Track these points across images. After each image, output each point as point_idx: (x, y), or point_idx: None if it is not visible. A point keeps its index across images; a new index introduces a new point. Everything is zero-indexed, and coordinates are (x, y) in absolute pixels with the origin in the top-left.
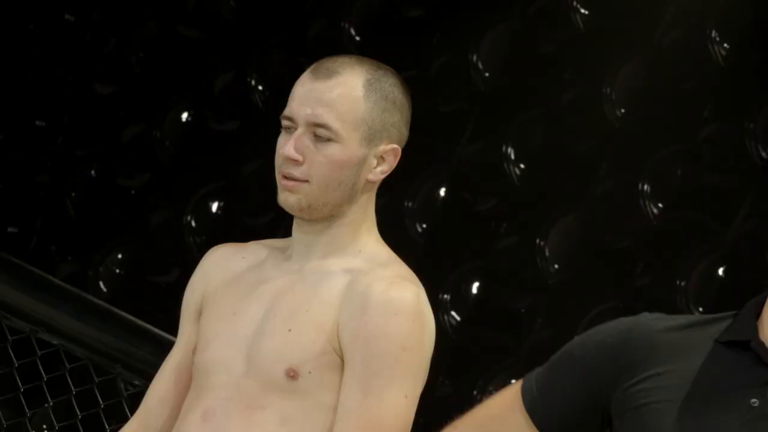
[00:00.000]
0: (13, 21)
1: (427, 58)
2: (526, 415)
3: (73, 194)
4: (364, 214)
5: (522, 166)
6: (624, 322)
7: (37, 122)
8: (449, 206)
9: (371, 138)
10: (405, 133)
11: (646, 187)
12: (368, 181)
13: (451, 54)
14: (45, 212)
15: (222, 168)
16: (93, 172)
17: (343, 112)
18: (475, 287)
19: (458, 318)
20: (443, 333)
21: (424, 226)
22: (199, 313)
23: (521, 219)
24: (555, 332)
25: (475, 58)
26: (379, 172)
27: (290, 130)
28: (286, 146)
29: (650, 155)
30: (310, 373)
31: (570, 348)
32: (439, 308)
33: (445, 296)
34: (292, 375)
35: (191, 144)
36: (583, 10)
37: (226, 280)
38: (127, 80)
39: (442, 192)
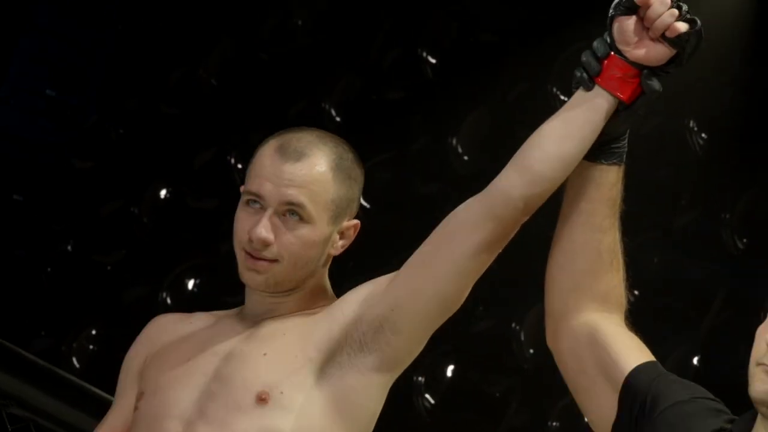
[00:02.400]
0: None
1: (406, 140)
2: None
3: (49, 269)
4: (321, 282)
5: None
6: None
7: (15, 196)
8: None
9: (337, 216)
10: (359, 203)
11: None
12: (329, 255)
13: (431, 136)
14: (20, 286)
15: (199, 245)
16: (69, 247)
17: (315, 194)
18: (450, 370)
19: (432, 401)
20: (417, 415)
21: None
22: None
23: (497, 302)
24: (530, 417)
25: (454, 141)
26: (340, 246)
27: (254, 205)
28: (259, 228)
29: (627, 242)
30: (282, 393)
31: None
32: (413, 390)
33: (420, 379)
34: (263, 398)
35: (169, 221)
36: (562, 97)
37: (174, 340)
38: (106, 156)
39: None
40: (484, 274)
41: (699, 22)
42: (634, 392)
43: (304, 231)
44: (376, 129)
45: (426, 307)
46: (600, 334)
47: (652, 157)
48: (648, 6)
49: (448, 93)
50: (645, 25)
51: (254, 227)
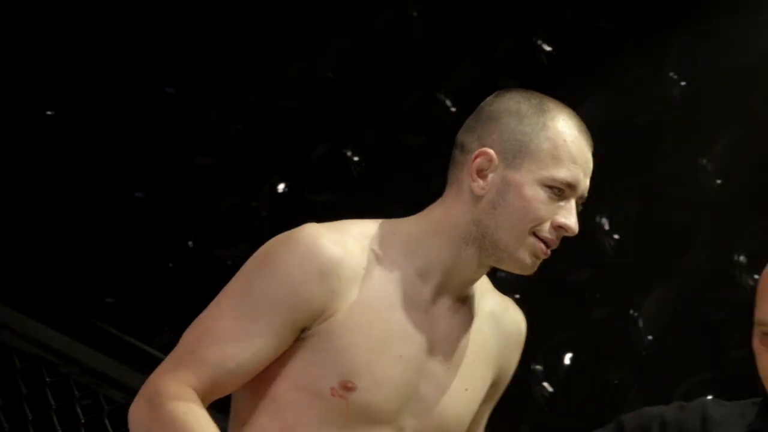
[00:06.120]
0: (114, 93)
1: None
2: None
3: (171, 265)
4: None
5: (616, 236)
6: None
7: (136, 194)
8: (542, 276)
9: None
10: None
11: (741, 258)
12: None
13: None
14: (142, 282)
15: None
16: (190, 242)
17: None
18: (567, 358)
19: (550, 389)
20: (535, 404)
21: (517, 296)
22: (302, 322)
23: (615, 289)
24: (648, 404)
25: None
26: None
27: (553, 191)
28: (575, 221)
29: (745, 226)
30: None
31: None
32: (531, 379)
33: (538, 367)
34: None
35: (287, 214)
36: (681, 83)
37: (359, 301)
38: (225, 151)
39: None
40: (601, 260)
41: None
42: None
43: None
44: None
45: None
46: None
47: None
48: None
49: (563, 81)
50: None
51: (569, 218)
